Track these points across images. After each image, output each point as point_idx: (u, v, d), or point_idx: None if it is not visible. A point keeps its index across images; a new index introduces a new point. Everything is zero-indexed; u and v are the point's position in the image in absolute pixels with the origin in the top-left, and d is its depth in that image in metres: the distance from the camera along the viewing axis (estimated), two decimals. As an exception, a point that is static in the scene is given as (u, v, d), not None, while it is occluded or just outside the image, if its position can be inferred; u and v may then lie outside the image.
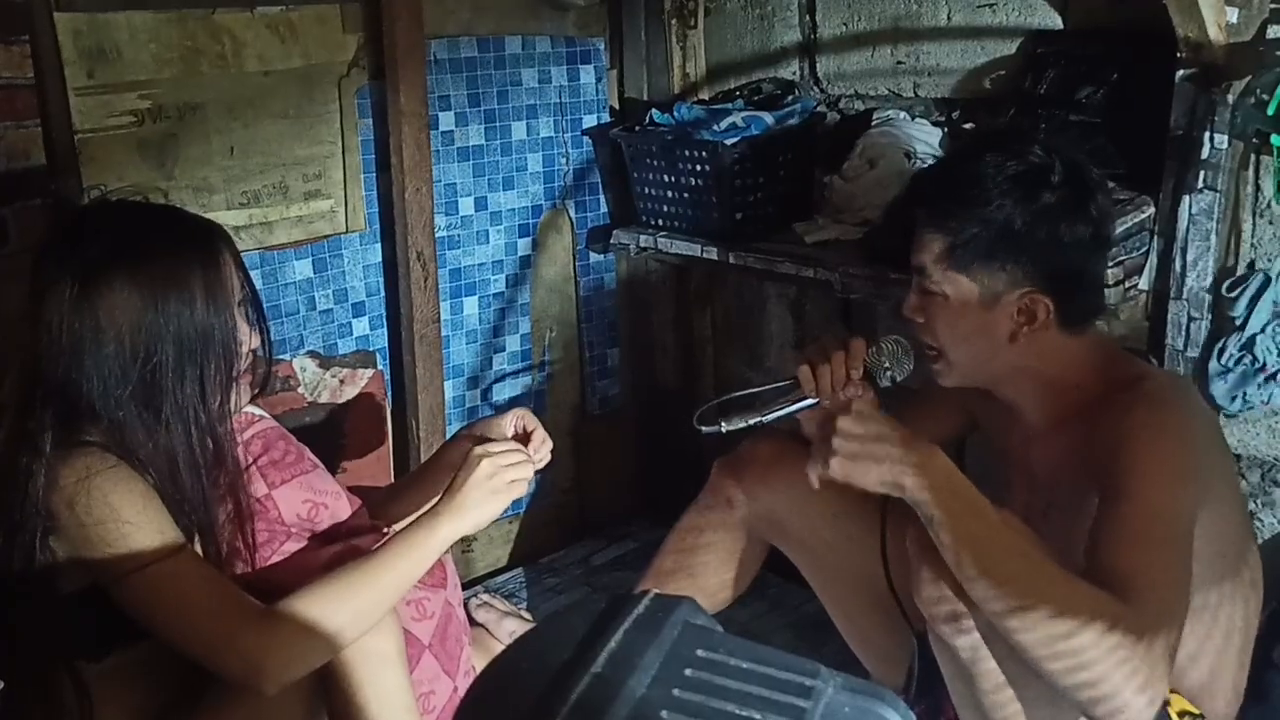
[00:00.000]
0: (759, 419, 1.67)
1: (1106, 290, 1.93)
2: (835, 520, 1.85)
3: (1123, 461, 1.45)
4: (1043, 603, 1.32)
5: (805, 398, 1.67)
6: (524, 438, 1.77)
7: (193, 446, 1.54)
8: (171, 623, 1.47)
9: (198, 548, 1.56)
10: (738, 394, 1.76)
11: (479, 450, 1.59)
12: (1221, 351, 1.94)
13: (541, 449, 1.75)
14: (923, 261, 1.63)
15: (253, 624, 1.46)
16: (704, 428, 1.66)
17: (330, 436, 2.42)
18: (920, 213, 1.65)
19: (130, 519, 1.45)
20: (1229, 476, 1.68)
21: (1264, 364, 1.91)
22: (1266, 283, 1.90)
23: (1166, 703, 1.57)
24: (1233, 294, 1.92)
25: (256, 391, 1.70)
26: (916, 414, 1.93)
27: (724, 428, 1.63)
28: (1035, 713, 1.45)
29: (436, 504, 1.59)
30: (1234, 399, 1.96)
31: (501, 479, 1.59)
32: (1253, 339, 1.92)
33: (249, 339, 1.62)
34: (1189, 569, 1.41)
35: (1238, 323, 1.92)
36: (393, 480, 2.54)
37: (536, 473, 1.67)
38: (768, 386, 1.72)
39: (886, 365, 1.67)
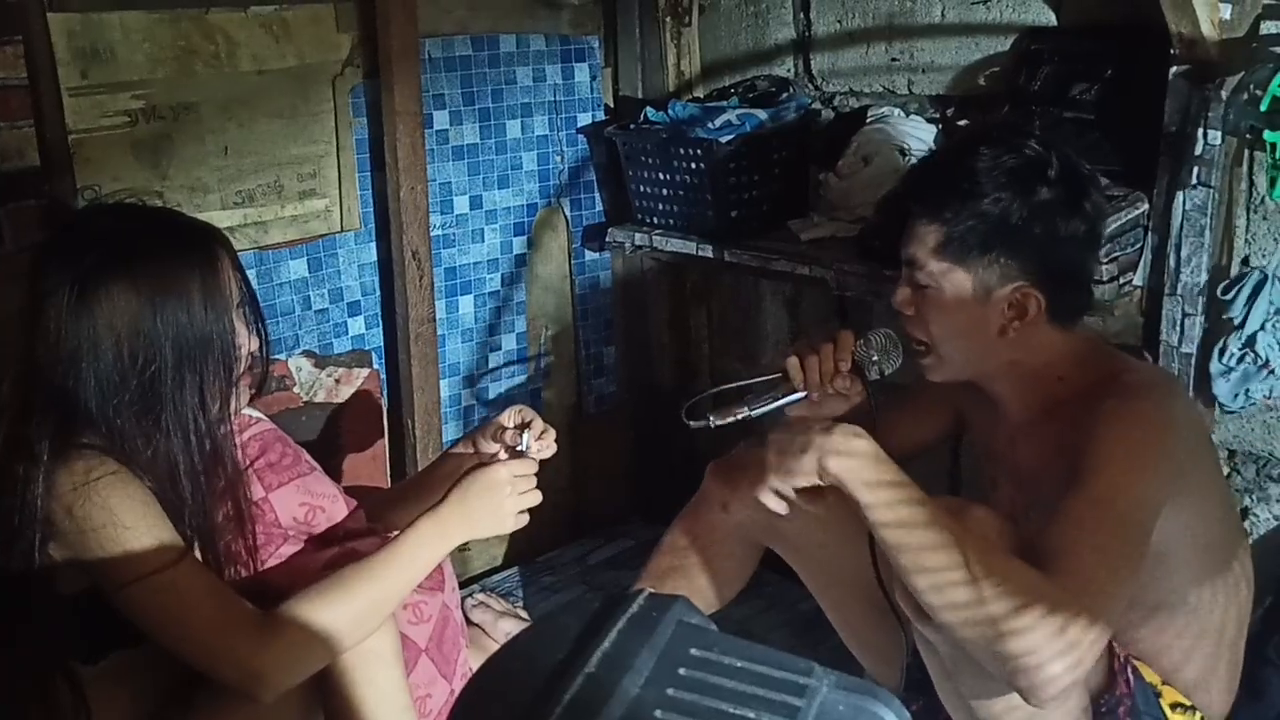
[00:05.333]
0: (747, 413, 1.66)
1: (1101, 286, 1.93)
2: (828, 522, 1.84)
3: (1088, 447, 1.46)
4: (959, 571, 1.32)
5: (794, 391, 1.67)
6: (522, 429, 1.76)
7: (192, 452, 1.54)
8: (170, 630, 1.47)
9: (197, 553, 1.55)
10: (726, 387, 1.75)
11: (501, 468, 1.60)
12: (1223, 351, 1.94)
13: (545, 438, 1.73)
14: (915, 253, 1.62)
15: (251, 633, 1.46)
16: (692, 422, 1.66)
17: (326, 436, 2.42)
18: (915, 204, 1.64)
19: (129, 525, 1.45)
20: (1211, 471, 1.68)
21: (1266, 360, 1.91)
22: (1263, 281, 1.90)
23: (1158, 694, 1.58)
24: (1228, 295, 1.92)
25: (253, 393, 1.70)
26: (906, 413, 1.93)
27: (712, 422, 1.63)
28: (1018, 706, 1.45)
29: (440, 508, 1.59)
30: (1236, 396, 1.96)
31: (514, 504, 1.60)
32: (1254, 337, 1.91)
33: (248, 342, 1.62)
34: (1133, 553, 1.41)
35: (1236, 322, 1.92)
36: (389, 479, 2.54)
37: (540, 463, 1.67)
38: (756, 380, 1.71)
39: (875, 358, 1.67)
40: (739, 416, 1.66)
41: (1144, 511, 1.43)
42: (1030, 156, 1.57)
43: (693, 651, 0.72)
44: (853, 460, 1.40)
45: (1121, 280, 2.00)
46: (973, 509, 1.45)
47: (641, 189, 2.58)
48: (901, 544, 1.36)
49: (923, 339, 1.67)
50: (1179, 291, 1.97)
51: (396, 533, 1.62)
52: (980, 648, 1.33)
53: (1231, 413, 2.01)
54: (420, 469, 2.48)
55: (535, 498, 1.63)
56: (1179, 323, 1.98)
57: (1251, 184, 1.98)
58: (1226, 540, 1.64)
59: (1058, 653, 1.28)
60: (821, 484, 1.43)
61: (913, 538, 1.36)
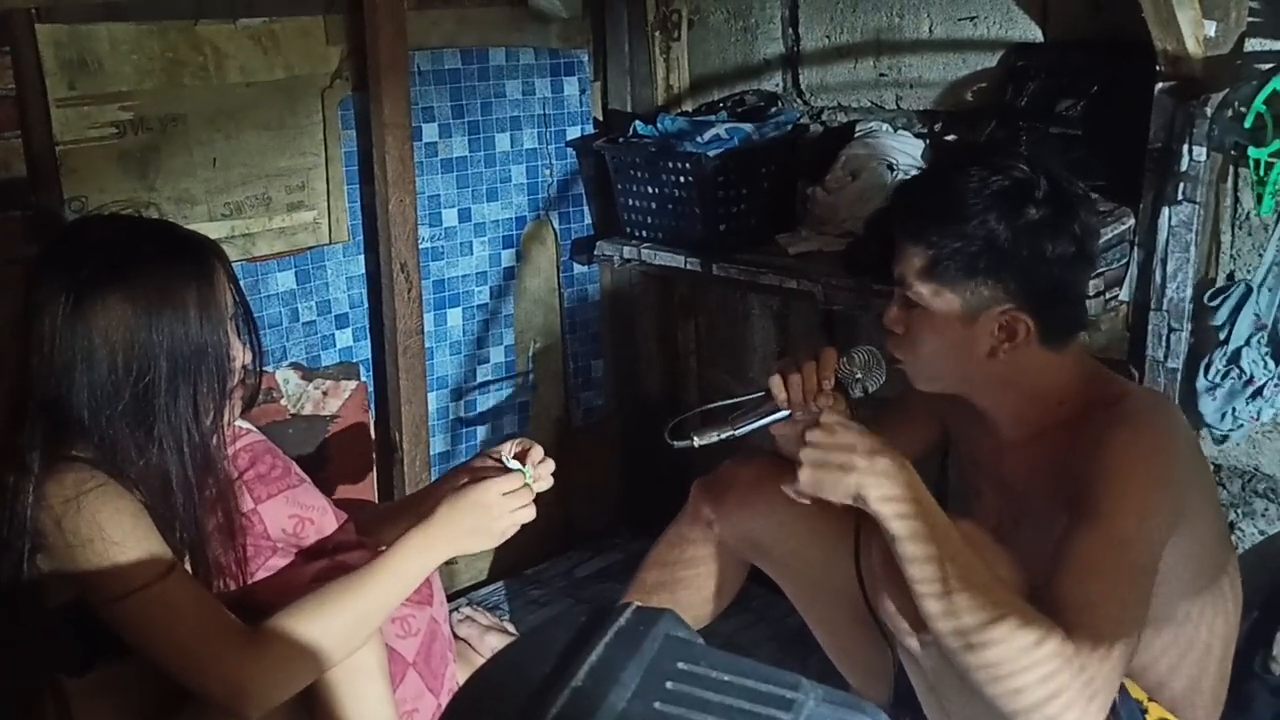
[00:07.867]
0: (730, 433, 1.66)
1: (1087, 302, 1.94)
2: (814, 539, 1.84)
3: (1097, 481, 1.46)
4: (988, 626, 1.34)
5: (777, 409, 1.67)
6: (520, 458, 1.76)
7: (185, 464, 1.53)
8: (156, 643, 1.46)
9: (187, 565, 1.55)
10: (710, 406, 1.76)
11: (492, 484, 1.59)
12: (1208, 367, 1.95)
13: (542, 468, 1.72)
14: (904, 273, 1.63)
15: (237, 647, 1.45)
16: (675, 442, 1.66)
17: (313, 449, 2.42)
18: (902, 225, 1.64)
19: (118, 539, 1.44)
20: (1208, 493, 1.69)
21: (1251, 377, 1.91)
22: (1248, 293, 1.91)
23: (1144, 711, 1.58)
24: (1214, 303, 1.93)
25: (244, 406, 1.69)
26: (892, 425, 1.93)
27: (696, 442, 1.63)
28: None
29: (428, 523, 1.58)
30: (1223, 416, 1.95)
31: (507, 519, 1.59)
32: (1238, 352, 1.92)
33: (241, 354, 1.61)
34: (1145, 598, 1.43)
35: (1221, 335, 1.93)
36: (376, 492, 2.53)
37: (537, 496, 1.66)
38: (740, 398, 1.71)
39: (858, 375, 1.67)
40: (722, 436, 1.66)
41: (1155, 551, 1.45)
42: (1018, 178, 1.56)
43: (680, 665, 0.71)
44: (893, 491, 1.41)
45: (1107, 295, 2.01)
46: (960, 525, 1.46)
47: (630, 202, 2.59)
48: (933, 582, 1.38)
49: (908, 359, 1.67)
50: (1165, 307, 1.97)
51: (384, 547, 1.62)
52: (1001, 698, 1.35)
53: (1222, 436, 2.00)
54: (408, 482, 2.48)
55: (529, 514, 1.62)
56: (1165, 338, 1.98)
57: (1236, 200, 1.99)
58: (1218, 558, 1.64)
59: (1082, 702, 1.31)
60: (851, 504, 1.45)
61: (946, 579, 1.38)
